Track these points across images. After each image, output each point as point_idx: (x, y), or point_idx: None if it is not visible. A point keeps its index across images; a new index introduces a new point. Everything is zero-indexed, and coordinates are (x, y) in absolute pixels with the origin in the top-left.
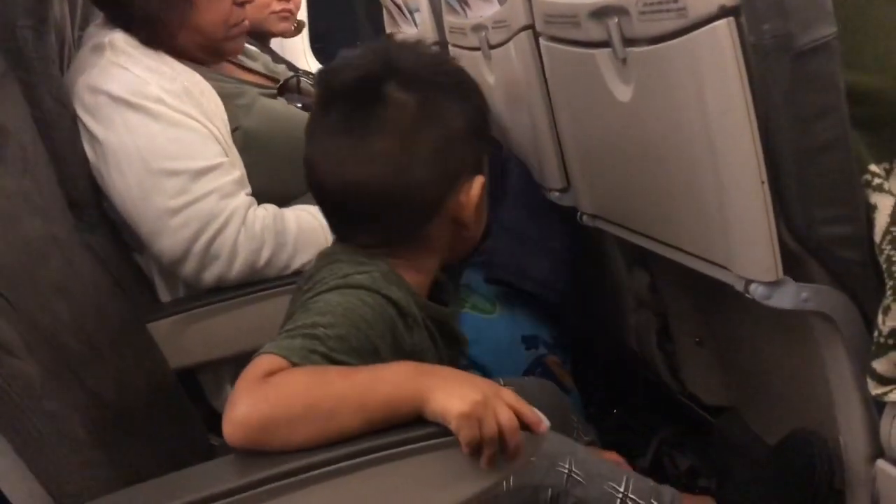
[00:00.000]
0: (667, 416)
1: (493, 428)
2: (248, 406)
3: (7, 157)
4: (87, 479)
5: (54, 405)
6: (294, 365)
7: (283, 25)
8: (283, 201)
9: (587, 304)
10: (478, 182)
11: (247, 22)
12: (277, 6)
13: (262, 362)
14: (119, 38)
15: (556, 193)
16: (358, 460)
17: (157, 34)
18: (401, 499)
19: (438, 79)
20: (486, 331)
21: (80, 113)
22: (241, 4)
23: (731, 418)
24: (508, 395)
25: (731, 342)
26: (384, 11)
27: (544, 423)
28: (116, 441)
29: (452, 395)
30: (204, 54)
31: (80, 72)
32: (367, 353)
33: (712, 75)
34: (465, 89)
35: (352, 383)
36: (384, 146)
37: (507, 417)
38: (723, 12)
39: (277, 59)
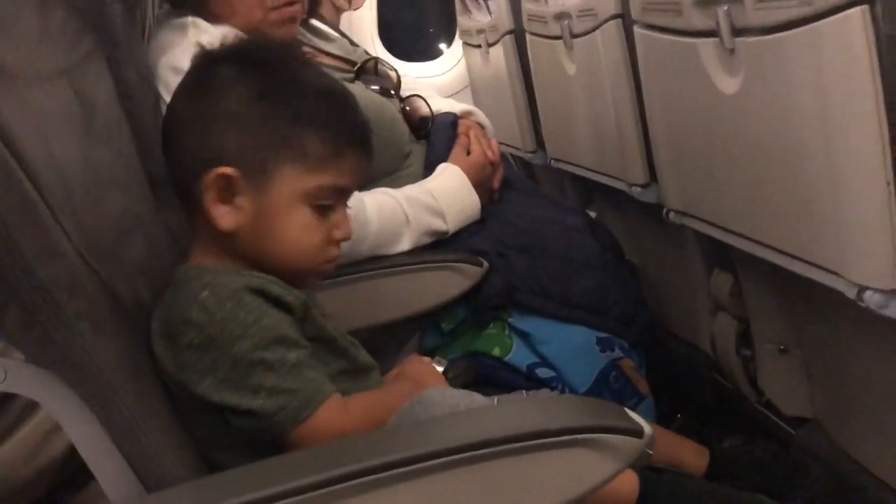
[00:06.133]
0: (736, 424)
1: None
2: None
3: (94, 130)
4: (174, 463)
5: (145, 384)
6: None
7: None
8: (362, 185)
9: (660, 306)
10: (219, 170)
11: (296, 7)
12: None
13: (324, 413)
14: (200, 17)
15: (638, 189)
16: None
17: (214, 16)
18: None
19: (259, 76)
20: (561, 331)
21: (163, 93)
22: None
23: (813, 430)
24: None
25: (819, 351)
26: None
27: None
28: None
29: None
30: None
31: (162, 51)
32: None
33: (838, 68)
34: (283, 98)
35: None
36: (186, 97)
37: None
38: (856, 0)
39: (354, 42)
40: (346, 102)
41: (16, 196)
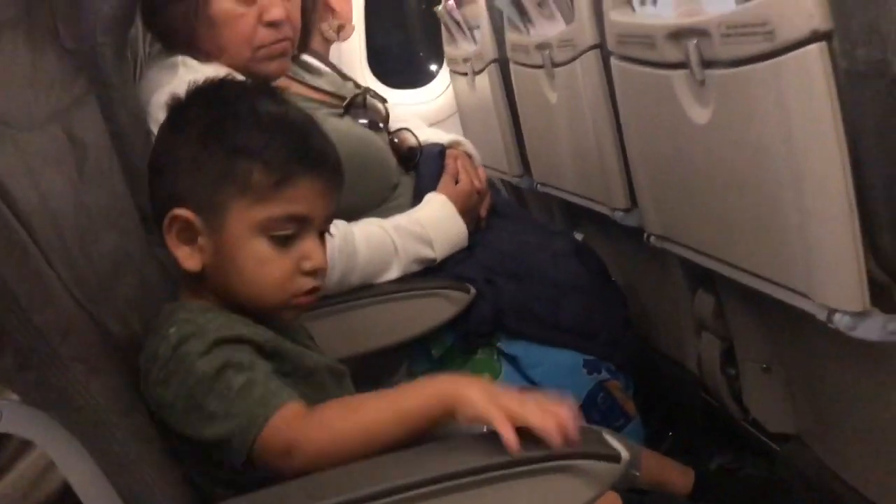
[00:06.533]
0: (725, 442)
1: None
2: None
3: (87, 172)
4: (167, 498)
5: (138, 421)
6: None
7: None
8: (351, 217)
9: (646, 326)
10: (173, 212)
11: (285, 44)
12: None
13: (274, 425)
14: (190, 56)
15: (620, 213)
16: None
17: (204, 55)
18: None
19: (205, 115)
20: (548, 355)
21: (154, 131)
22: (270, 25)
23: (797, 446)
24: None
25: (801, 369)
26: (442, 27)
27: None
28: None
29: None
30: (248, 75)
31: (153, 89)
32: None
33: (800, 100)
34: (222, 132)
35: (384, 404)
36: (156, 141)
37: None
38: (814, 37)
39: (344, 76)
40: (298, 129)
41: (9, 243)
